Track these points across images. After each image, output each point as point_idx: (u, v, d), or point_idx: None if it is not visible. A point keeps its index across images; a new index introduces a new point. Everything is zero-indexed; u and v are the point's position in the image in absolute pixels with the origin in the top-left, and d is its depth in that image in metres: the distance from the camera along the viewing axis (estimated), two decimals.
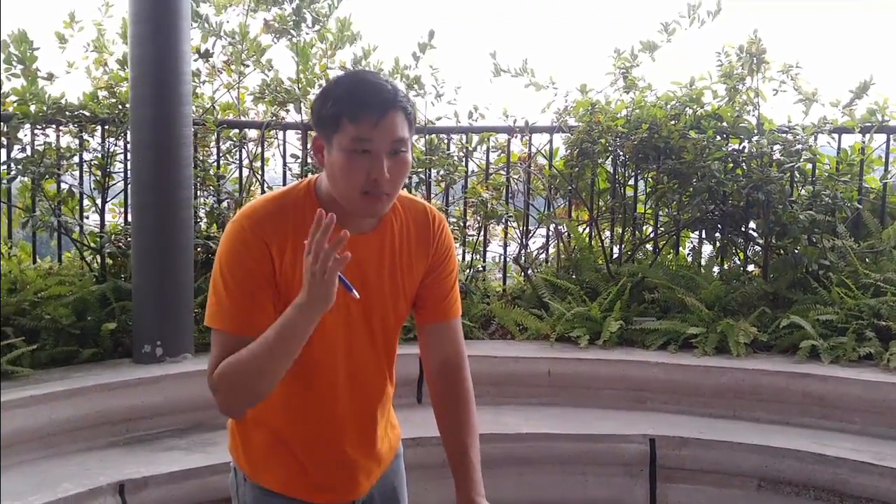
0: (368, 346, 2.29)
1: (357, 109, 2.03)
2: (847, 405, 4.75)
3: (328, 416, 2.29)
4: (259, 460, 2.34)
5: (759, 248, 5.89)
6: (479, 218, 6.08)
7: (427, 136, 5.98)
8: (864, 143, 5.77)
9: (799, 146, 5.59)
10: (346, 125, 2.04)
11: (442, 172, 5.93)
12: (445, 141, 6.07)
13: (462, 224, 6.04)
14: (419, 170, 5.81)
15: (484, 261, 6.25)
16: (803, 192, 5.75)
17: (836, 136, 5.79)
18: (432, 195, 6.04)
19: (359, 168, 2.05)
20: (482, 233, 6.16)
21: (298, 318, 1.97)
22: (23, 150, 5.35)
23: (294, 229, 2.13)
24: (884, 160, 5.80)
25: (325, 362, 2.22)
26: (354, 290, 2.00)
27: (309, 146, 5.63)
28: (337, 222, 1.98)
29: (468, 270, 5.98)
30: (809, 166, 5.76)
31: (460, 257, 6.05)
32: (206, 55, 5.78)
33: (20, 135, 5.33)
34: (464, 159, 6.13)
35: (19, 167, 5.27)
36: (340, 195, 2.11)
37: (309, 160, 5.72)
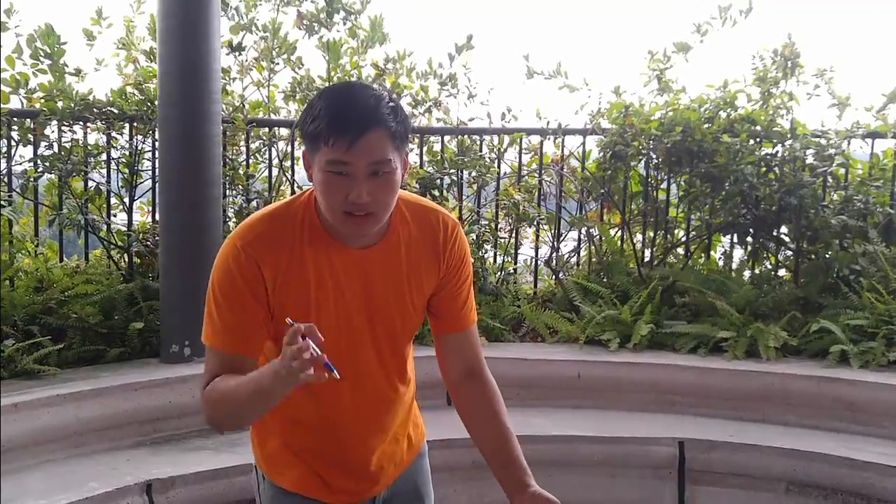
0: (374, 358, 2.26)
1: (331, 132, 1.97)
2: (876, 409, 4.72)
3: (334, 427, 2.29)
4: (275, 462, 2.36)
5: (791, 253, 5.86)
6: (510, 220, 6.06)
7: (459, 137, 5.97)
8: None
9: (832, 151, 5.58)
10: (323, 147, 2.00)
11: (474, 174, 5.91)
12: (478, 142, 6.05)
13: (494, 226, 6.01)
14: (451, 171, 5.79)
15: (515, 263, 6.23)
16: (835, 196, 5.75)
17: (868, 140, 5.78)
18: (464, 196, 6.02)
19: (337, 189, 2.01)
20: (513, 235, 6.14)
21: (270, 385, 1.93)
22: (49, 146, 5.34)
23: (290, 246, 2.12)
24: None
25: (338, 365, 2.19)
26: (335, 371, 1.90)
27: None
28: (336, 238, 2.10)
29: (499, 273, 5.97)
30: (842, 171, 5.75)
31: (491, 259, 6.03)
32: (238, 48, 5.75)
33: (47, 131, 5.33)
34: (496, 161, 6.11)
35: (46, 164, 5.27)
36: (327, 215, 2.09)
37: None
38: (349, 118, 1.97)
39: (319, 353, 1.83)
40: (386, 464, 2.38)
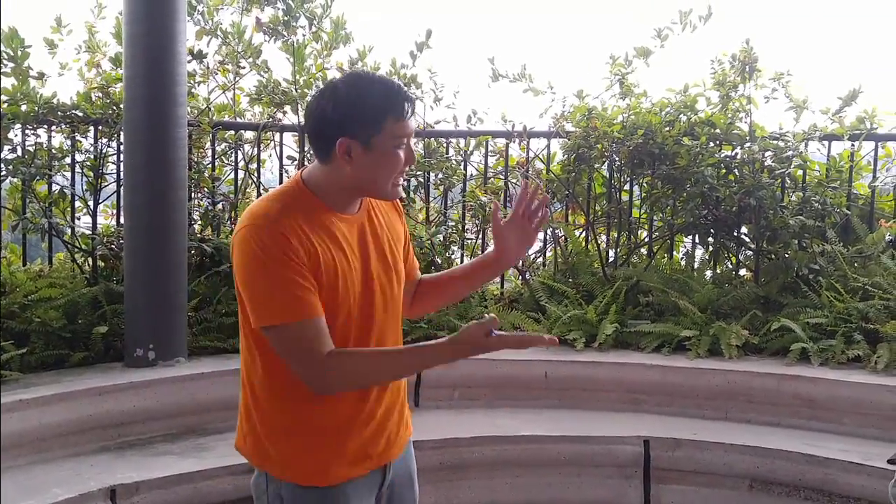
0: (385, 311, 2.41)
1: (400, 108, 2.21)
2: (836, 406, 4.80)
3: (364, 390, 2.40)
4: (291, 458, 2.36)
5: (751, 253, 5.93)
6: (477, 221, 6.09)
7: (426, 140, 5.98)
8: (853, 149, 5.82)
9: (790, 153, 5.64)
10: (391, 123, 2.21)
11: (440, 176, 5.94)
12: (444, 145, 6.07)
13: (461, 227, 6.04)
14: (418, 173, 5.80)
15: None
16: (794, 197, 5.82)
17: (825, 143, 5.84)
18: (431, 198, 6.05)
19: (400, 160, 2.26)
20: (480, 236, 6.16)
21: (442, 357, 2.29)
22: (13, 150, 5.29)
23: (302, 218, 2.24)
24: (872, 167, 5.85)
25: (360, 334, 2.35)
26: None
27: (306, 147, 5.68)
28: (328, 210, 2.29)
29: None
30: (800, 172, 5.81)
31: (459, 260, 6.05)
32: (199, 56, 5.74)
33: (10, 135, 5.28)
34: (462, 163, 6.13)
35: (9, 168, 5.21)
36: (375, 188, 2.30)
37: (306, 162, 5.70)
38: (405, 96, 2.23)
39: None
40: (398, 425, 2.51)
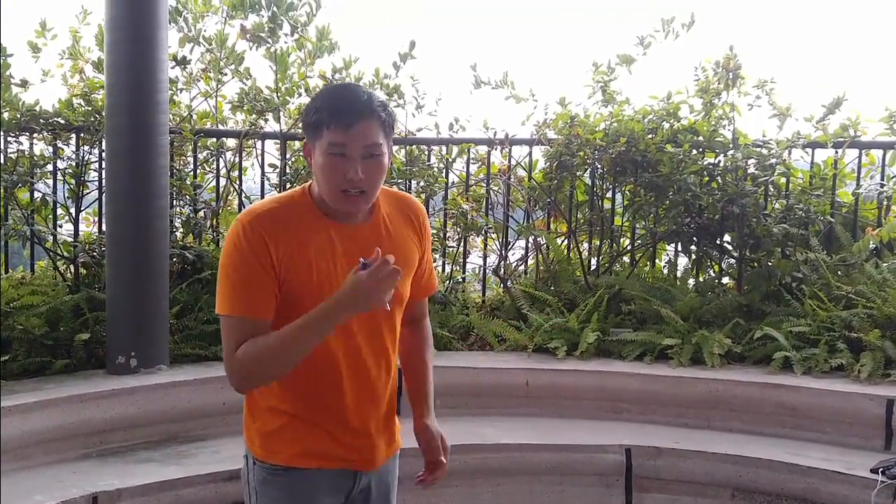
0: (375, 326, 2.45)
1: (332, 118, 2.29)
2: (819, 415, 4.81)
3: (335, 393, 2.44)
4: (274, 440, 2.46)
5: (734, 261, 5.93)
6: (458, 229, 6.07)
7: (407, 148, 5.97)
8: (836, 157, 5.84)
9: (773, 160, 5.65)
10: (325, 132, 2.30)
11: (422, 184, 5.93)
12: (426, 152, 6.06)
13: (442, 235, 6.03)
14: (399, 181, 5.80)
15: (463, 272, 6.25)
16: (777, 205, 5.82)
17: (809, 150, 5.87)
18: None
19: (337, 169, 2.31)
20: (462, 244, 6.16)
21: (335, 312, 2.25)
22: None
23: (292, 225, 2.36)
24: (856, 174, 5.87)
25: (334, 344, 2.38)
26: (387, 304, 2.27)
27: (288, 155, 5.75)
28: (323, 217, 2.39)
29: (448, 282, 5.98)
30: (783, 180, 5.82)
31: (440, 268, 6.05)
32: (183, 62, 5.73)
33: None
34: (444, 171, 6.13)
35: None
36: (325, 194, 2.37)
37: (287, 170, 5.69)
38: (348, 107, 2.30)
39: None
40: (380, 438, 2.55)
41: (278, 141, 5.85)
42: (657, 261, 6.27)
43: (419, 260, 2.59)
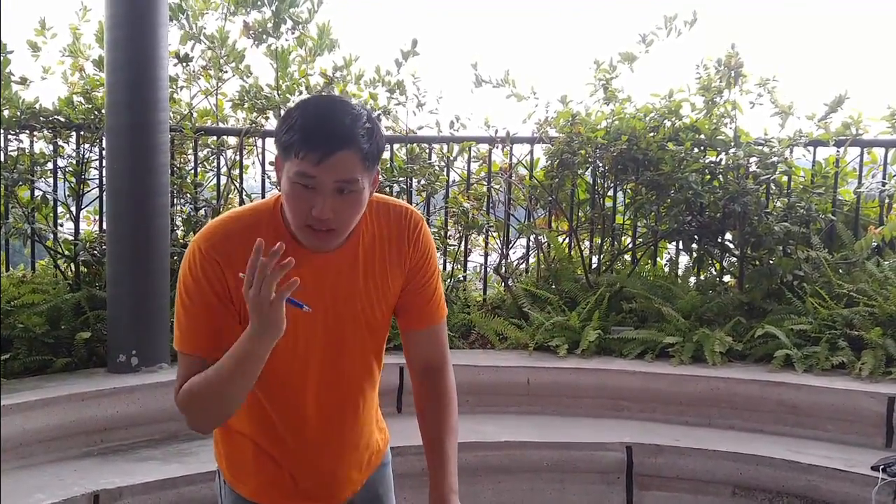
0: (340, 362, 2.25)
1: (302, 146, 1.98)
2: (820, 413, 4.81)
3: (300, 429, 2.28)
4: (238, 468, 2.35)
5: (735, 259, 5.93)
6: (459, 228, 6.07)
7: (408, 146, 5.98)
8: (838, 155, 5.84)
9: (775, 158, 5.64)
10: (293, 158, 2.00)
11: (423, 182, 5.93)
12: (427, 150, 6.06)
13: (443, 234, 6.03)
14: (400, 179, 5.80)
15: (465, 270, 6.25)
16: (779, 203, 5.81)
17: (811, 148, 5.86)
18: (413, 204, 6.03)
19: (302, 201, 2.02)
20: (463, 243, 6.16)
21: (250, 346, 1.97)
22: None
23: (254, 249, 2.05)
24: (857, 173, 5.86)
25: (291, 379, 2.22)
26: (305, 306, 1.99)
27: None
28: (292, 240, 2.07)
29: (449, 280, 5.98)
30: (785, 178, 5.82)
31: (442, 266, 6.04)
32: (185, 59, 5.72)
33: None
34: (445, 169, 6.13)
35: None
36: (290, 223, 2.10)
37: None
38: (322, 135, 1.98)
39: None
40: (350, 470, 2.38)
41: None
42: (658, 259, 6.27)
43: (406, 282, 2.29)
